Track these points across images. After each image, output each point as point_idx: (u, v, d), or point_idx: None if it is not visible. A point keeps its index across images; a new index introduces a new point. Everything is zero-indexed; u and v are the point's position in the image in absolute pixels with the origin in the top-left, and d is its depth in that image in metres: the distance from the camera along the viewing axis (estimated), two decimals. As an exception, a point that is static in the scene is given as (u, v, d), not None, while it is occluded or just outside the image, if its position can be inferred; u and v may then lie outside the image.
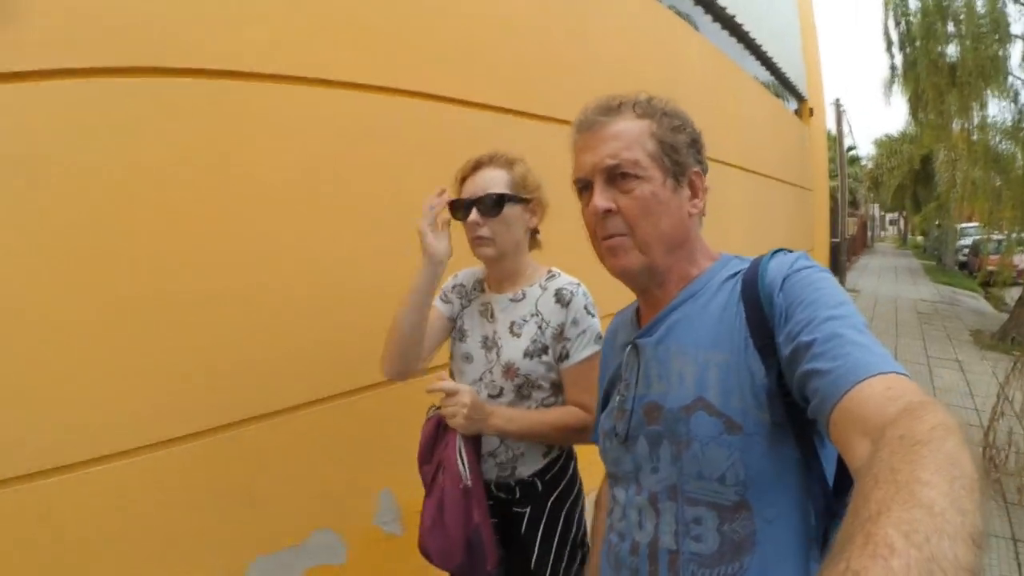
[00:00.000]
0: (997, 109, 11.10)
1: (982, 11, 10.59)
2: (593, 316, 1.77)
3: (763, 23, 8.65)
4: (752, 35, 8.13)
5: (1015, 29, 10.56)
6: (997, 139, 11.18)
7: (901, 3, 11.53)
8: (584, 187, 1.17)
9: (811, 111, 12.79)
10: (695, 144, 1.18)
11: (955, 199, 14.15)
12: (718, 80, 6.60)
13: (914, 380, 0.79)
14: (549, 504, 1.80)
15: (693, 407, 1.04)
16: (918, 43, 11.32)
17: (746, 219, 7.21)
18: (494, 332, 1.82)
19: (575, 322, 1.73)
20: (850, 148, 34.35)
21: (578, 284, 1.79)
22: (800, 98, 12.07)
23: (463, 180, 1.79)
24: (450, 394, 1.64)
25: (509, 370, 1.75)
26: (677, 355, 1.10)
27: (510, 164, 1.79)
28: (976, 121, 11.31)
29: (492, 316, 1.85)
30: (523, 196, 1.78)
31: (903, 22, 11.63)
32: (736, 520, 1.01)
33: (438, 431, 1.75)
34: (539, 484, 1.79)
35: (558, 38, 3.63)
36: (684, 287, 1.16)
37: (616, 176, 1.12)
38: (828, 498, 1.01)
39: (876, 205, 46.39)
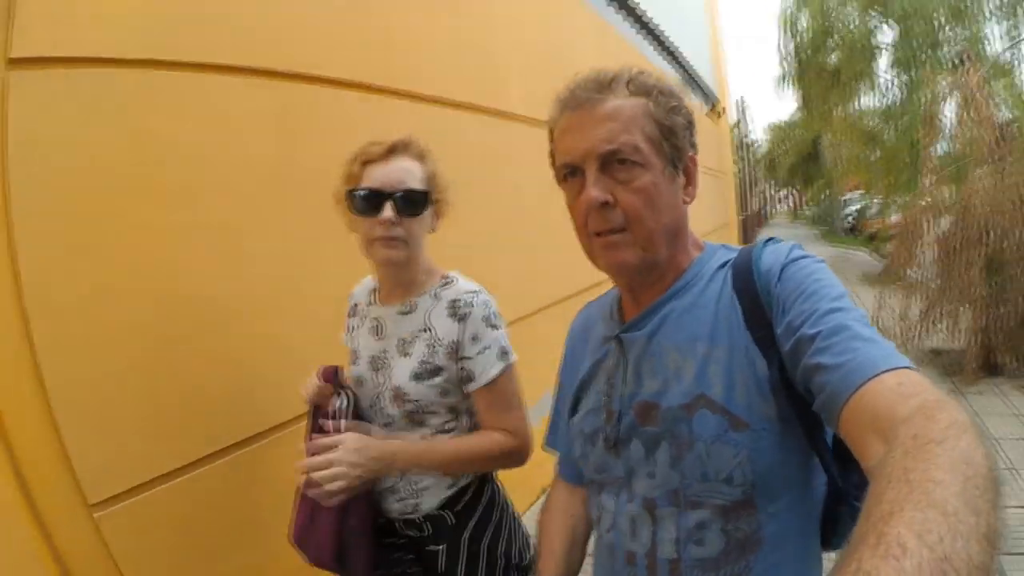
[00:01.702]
0: (869, 100, 14.26)
1: (855, 28, 13.65)
2: (497, 328, 1.57)
3: (684, 37, 11.01)
4: (679, 51, 10.56)
5: (883, 38, 13.66)
6: (873, 121, 14.29)
7: (793, 24, 14.55)
8: (571, 173, 1.03)
9: (722, 110, 15.79)
10: (690, 126, 1.07)
11: (839, 174, 17.69)
12: None
13: (923, 374, 0.76)
14: (465, 538, 1.62)
15: (694, 405, 0.98)
16: (807, 54, 14.42)
17: None
18: (383, 351, 1.61)
19: (475, 338, 1.52)
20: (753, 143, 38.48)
21: (477, 292, 1.58)
22: (713, 100, 14.91)
23: (366, 164, 1.53)
24: (323, 451, 1.40)
25: (398, 396, 1.54)
26: (672, 350, 1.03)
27: (423, 156, 1.59)
28: (854, 110, 14.47)
29: (381, 333, 1.63)
30: (435, 196, 1.60)
31: (796, 37, 14.66)
32: (741, 518, 0.96)
33: (316, 415, 1.61)
34: (449, 517, 1.61)
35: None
36: (675, 278, 1.08)
37: (612, 163, 0.99)
38: (834, 485, 1.00)
39: (771, 182, 50.93)
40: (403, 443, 1.52)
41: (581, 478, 1.25)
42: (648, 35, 8.93)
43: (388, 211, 1.48)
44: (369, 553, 1.60)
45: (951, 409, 0.66)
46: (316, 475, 1.36)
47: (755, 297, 0.98)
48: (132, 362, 1.71)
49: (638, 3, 7.82)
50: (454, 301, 1.54)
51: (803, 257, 0.99)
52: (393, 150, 1.54)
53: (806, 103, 15.88)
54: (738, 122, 24.98)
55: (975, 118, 6.64)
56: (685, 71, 11.54)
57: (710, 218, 12.90)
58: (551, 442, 1.34)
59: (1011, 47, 11.52)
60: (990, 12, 11.66)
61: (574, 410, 1.22)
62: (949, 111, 7.74)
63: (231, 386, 1.97)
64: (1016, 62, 11.75)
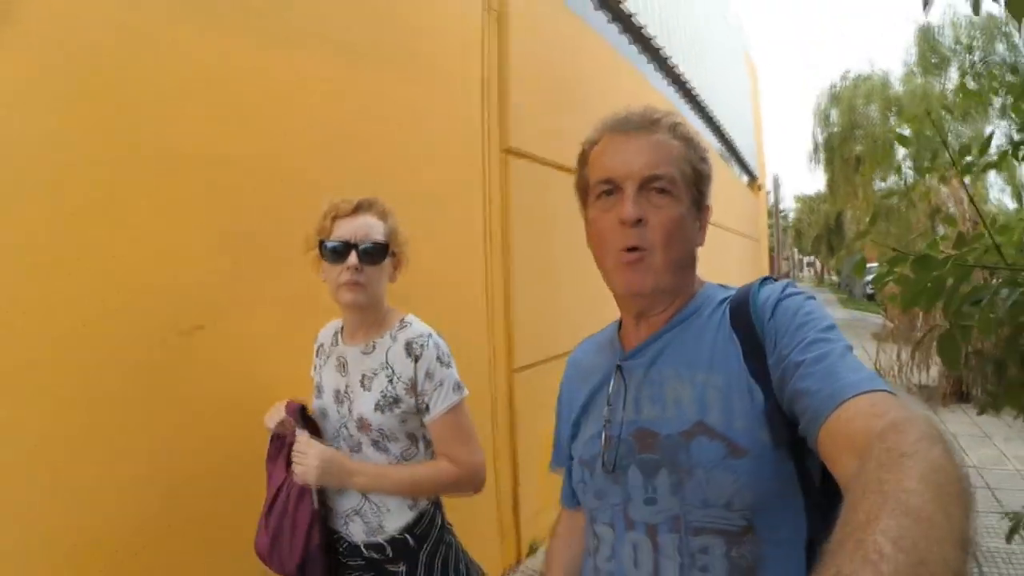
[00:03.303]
0: (891, 181, 16.68)
1: (876, 124, 16.22)
2: (449, 366, 1.74)
3: (733, 122, 13.29)
4: (726, 131, 12.77)
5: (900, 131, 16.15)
6: (894, 200, 16.72)
7: (825, 117, 17.37)
8: (607, 192, 1.09)
9: (760, 186, 18.41)
10: (710, 180, 1.15)
11: (860, 245, 20.06)
12: (715, 171, 11.24)
13: (899, 396, 0.81)
14: (423, 558, 1.75)
15: (692, 432, 1.01)
16: (836, 143, 17.10)
17: (719, 259, 11.39)
18: (346, 386, 1.77)
19: (429, 375, 1.69)
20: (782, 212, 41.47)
21: (429, 335, 1.73)
22: (752, 176, 17.42)
23: (336, 219, 1.72)
24: (299, 452, 1.66)
25: (362, 424, 1.70)
26: (672, 378, 1.07)
27: (386, 214, 1.77)
28: (876, 189, 16.91)
29: (345, 369, 1.79)
30: (394, 249, 1.78)
31: (826, 130, 17.43)
32: (744, 544, 0.97)
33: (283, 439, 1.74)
34: (410, 539, 1.74)
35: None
36: (677, 311, 1.13)
37: (650, 188, 1.06)
38: (814, 512, 1.00)
39: (796, 249, 53.94)
40: (362, 463, 1.71)
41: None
42: (705, 119, 11.24)
43: (353, 259, 1.65)
44: (327, 567, 1.74)
45: (922, 424, 0.68)
46: (294, 455, 1.66)
47: (751, 332, 1.01)
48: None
49: (701, 97, 9.99)
50: (409, 343, 1.69)
51: (796, 293, 1.02)
52: (359, 208, 1.72)
53: (832, 184, 18.64)
54: (769, 193, 27.81)
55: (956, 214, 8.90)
56: (733, 150, 14.02)
57: (745, 276, 14.99)
58: (555, 464, 1.36)
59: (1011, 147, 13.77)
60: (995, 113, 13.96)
61: (573, 437, 1.25)
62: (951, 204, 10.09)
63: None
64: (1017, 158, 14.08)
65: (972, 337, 1.89)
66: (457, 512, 3.00)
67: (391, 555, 1.74)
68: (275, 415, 1.74)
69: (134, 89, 1.85)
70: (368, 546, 1.75)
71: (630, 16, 6.55)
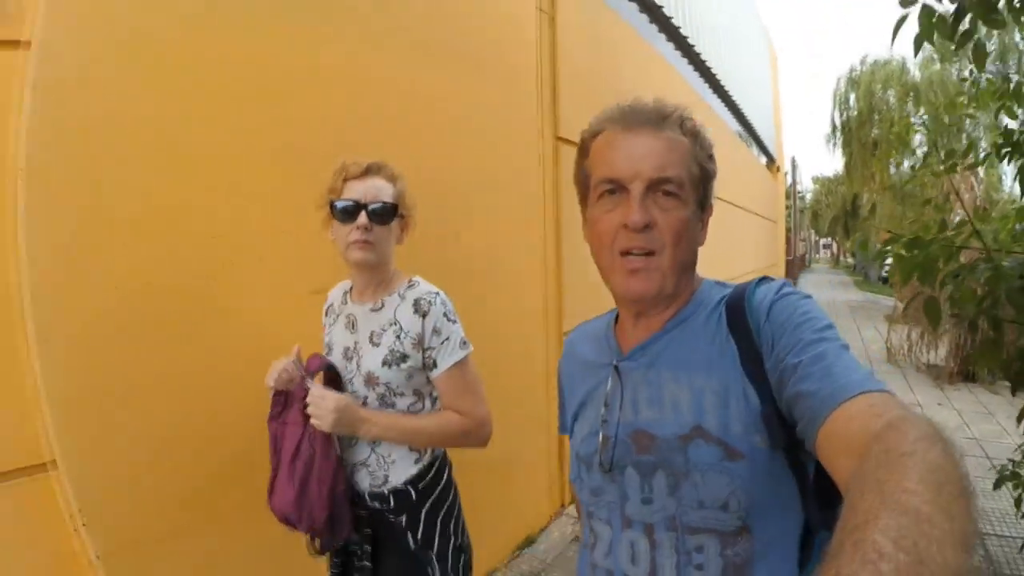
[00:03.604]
0: (905, 166, 16.94)
1: (894, 106, 16.48)
2: (454, 322, 1.77)
3: (753, 105, 13.54)
4: (747, 115, 13.04)
5: (915, 120, 16.40)
6: (909, 184, 17.05)
7: (844, 101, 17.64)
8: (612, 190, 1.05)
9: (778, 168, 18.68)
10: (715, 177, 1.13)
11: (876, 227, 20.43)
12: (735, 154, 11.42)
13: (897, 396, 0.80)
14: (424, 512, 1.79)
15: (690, 436, 1.01)
16: (853, 127, 17.37)
17: (738, 240, 11.72)
18: (355, 343, 1.81)
19: (436, 331, 1.73)
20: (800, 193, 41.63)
21: (436, 293, 1.77)
22: (771, 158, 17.67)
23: (346, 180, 1.75)
24: (315, 397, 1.67)
25: (370, 379, 1.74)
26: (670, 381, 1.06)
27: (395, 178, 1.80)
28: (891, 173, 17.21)
29: (354, 327, 1.83)
30: (402, 211, 1.82)
31: (844, 113, 17.69)
32: (738, 543, 0.98)
33: (287, 395, 1.76)
34: (413, 492, 1.77)
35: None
36: (675, 313, 1.12)
37: (657, 190, 1.03)
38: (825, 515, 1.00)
39: (813, 231, 54.18)
40: (374, 412, 1.74)
41: None
42: (728, 104, 11.57)
43: (363, 218, 1.69)
44: (353, 515, 1.78)
45: (920, 423, 0.67)
46: (309, 400, 1.67)
47: (747, 334, 1.01)
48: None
49: (722, 82, 10.31)
50: (417, 300, 1.73)
51: (791, 294, 1.02)
52: (369, 170, 1.76)
53: (849, 167, 18.99)
54: (787, 175, 27.99)
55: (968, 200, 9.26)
56: (753, 133, 14.32)
57: (763, 257, 15.52)
58: (562, 430, 1.35)
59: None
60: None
61: (571, 429, 1.26)
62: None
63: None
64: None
65: (954, 305, 2.25)
66: (509, 465, 3.27)
67: (393, 506, 1.77)
68: (275, 373, 1.72)
69: (246, 86, 2.11)
70: (372, 496, 1.78)
71: (660, 7, 6.86)
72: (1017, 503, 3.19)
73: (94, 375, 1.74)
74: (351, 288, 1.90)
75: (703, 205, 1.10)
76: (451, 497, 1.87)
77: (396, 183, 1.79)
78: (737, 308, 1.04)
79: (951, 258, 2.30)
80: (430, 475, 1.81)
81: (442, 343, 1.73)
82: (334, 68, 2.47)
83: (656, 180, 1.02)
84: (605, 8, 5.11)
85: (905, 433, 0.65)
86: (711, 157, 1.11)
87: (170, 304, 1.91)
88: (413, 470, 1.78)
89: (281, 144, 2.24)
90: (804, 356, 0.90)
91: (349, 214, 1.71)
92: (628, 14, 6.13)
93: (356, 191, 1.72)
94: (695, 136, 1.08)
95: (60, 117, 1.66)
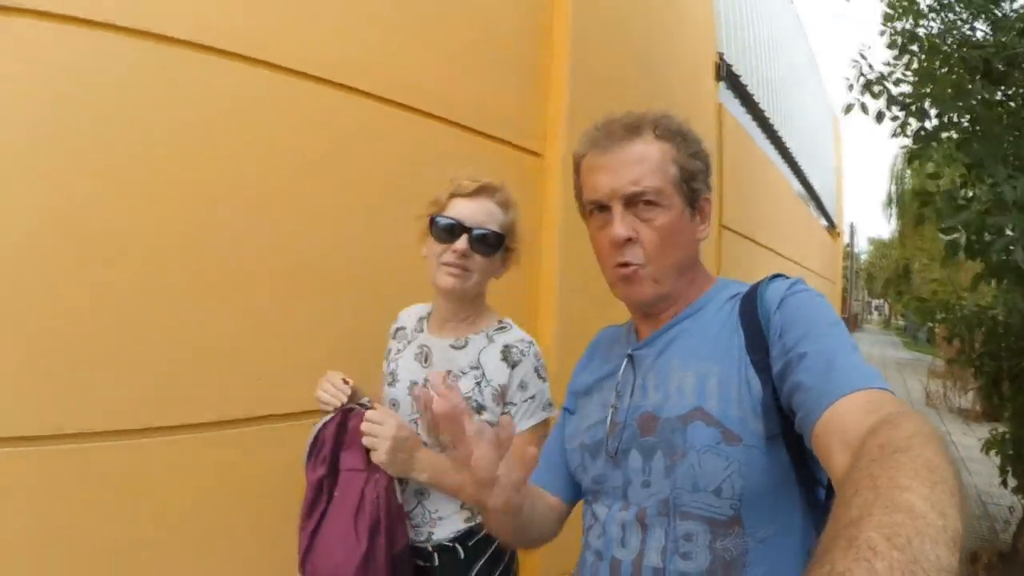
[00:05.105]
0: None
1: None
2: (544, 380, 1.59)
3: (818, 178, 14.16)
4: (811, 181, 13.28)
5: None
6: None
7: (900, 177, 19.64)
8: (598, 209, 1.12)
9: (838, 233, 20.43)
10: (707, 169, 1.14)
11: (926, 292, 22.14)
12: (798, 214, 12.16)
13: (895, 394, 0.80)
14: (473, 574, 1.56)
15: (690, 416, 1.01)
16: (907, 203, 19.31)
17: None
18: (425, 379, 1.59)
19: (523, 386, 1.55)
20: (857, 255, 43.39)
21: (531, 343, 1.60)
22: (832, 223, 19.32)
23: (453, 196, 1.58)
24: (373, 421, 1.47)
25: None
26: (678, 367, 1.08)
27: (508, 205, 1.63)
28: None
29: (427, 360, 1.63)
30: (509, 243, 1.63)
31: (899, 187, 19.74)
32: (728, 537, 0.98)
33: (340, 433, 1.53)
34: (461, 550, 1.57)
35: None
36: (686, 307, 1.13)
37: (637, 202, 1.07)
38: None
39: (866, 291, 55.17)
40: (433, 454, 1.52)
41: (557, 487, 1.27)
42: (793, 170, 11.53)
43: (463, 242, 1.51)
44: (414, 570, 1.57)
45: (915, 420, 0.67)
46: (365, 426, 1.46)
47: (757, 324, 1.02)
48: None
49: (791, 149, 10.30)
50: (507, 347, 1.56)
51: (805, 290, 1.02)
52: (481, 190, 1.57)
53: (902, 235, 20.75)
54: (851, 243, 29.87)
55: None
56: (816, 199, 15.25)
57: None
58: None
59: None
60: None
61: (572, 413, 1.27)
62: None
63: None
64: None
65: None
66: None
67: (437, 564, 1.58)
68: (335, 390, 1.56)
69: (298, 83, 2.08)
70: (413, 551, 1.58)
71: (738, 76, 6.94)
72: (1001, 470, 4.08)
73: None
74: (429, 314, 1.74)
75: (694, 201, 1.12)
76: (506, 562, 1.64)
77: (509, 211, 1.64)
78: (749, 300, 1.07)
79: (980, 323, 3.48)
80: (483, 532, 1.58)
81: (525, 401, 1.56)
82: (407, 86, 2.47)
83: (632, 195, 1.06)
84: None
85: (900, 429, 0.66)
86: (696, 153, 1.12)
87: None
88: (463, 527, 1.60)
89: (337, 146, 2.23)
90: (809, 348, 0.91)
91: (450, 234, 1.55)
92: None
93: (462, 211, 1.57)
94: (673, 138, 1.10)
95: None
